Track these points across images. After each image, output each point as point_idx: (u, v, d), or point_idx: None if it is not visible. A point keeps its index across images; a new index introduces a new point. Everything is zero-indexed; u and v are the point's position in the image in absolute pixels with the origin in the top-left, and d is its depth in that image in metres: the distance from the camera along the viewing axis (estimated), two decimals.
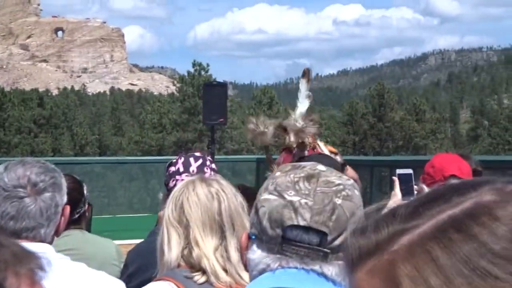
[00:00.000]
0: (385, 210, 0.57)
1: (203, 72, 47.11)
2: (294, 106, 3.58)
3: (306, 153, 3.34)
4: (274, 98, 51.51)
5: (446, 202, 0.53)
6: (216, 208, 1.81)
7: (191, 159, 2.56)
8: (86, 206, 2.92)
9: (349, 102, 59.95)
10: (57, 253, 1.85)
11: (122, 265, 2.74)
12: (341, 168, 3.01)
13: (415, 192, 2.91)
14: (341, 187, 1.28)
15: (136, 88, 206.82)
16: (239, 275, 1.76)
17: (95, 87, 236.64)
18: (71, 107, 72.04)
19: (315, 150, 3.35)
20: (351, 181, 1.32)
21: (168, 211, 1.83)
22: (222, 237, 1.80)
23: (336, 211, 1.25)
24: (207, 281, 1.75)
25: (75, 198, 2.67)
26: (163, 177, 2.65)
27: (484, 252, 0.49)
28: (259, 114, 3.57)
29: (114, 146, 64.19)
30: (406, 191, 2.91)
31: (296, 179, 1.28)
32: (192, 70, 47.77)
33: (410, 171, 2.98)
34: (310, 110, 3.55)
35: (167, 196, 2.01)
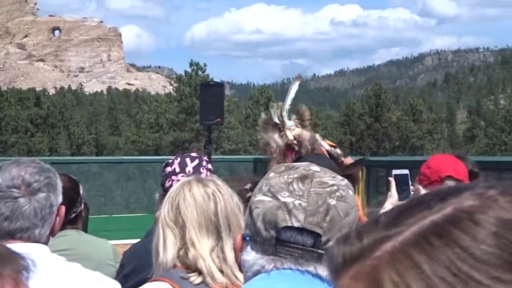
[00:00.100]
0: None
1: (200, 72, 47.08)
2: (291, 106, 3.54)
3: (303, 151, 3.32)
4: (271, 98, 51.44)
5: (428, 208, 0.53)
6: (212, 209, 1.80)
7: (187, 160, 2.56)
8: (82, 205, 2.92)
9: (346, 102, 60.09)
10: (52, 253, 1.84)
11: (118, 265, 2.73)
12: (338, 162, 3.01)
13: (412, 193, 2.90)
14: (335, 187, 1.28)
15: (133, 88, 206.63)
16: (235, 276, 1.76)
17: (92, 86, 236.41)
18: (68, 107, 71.95)
19: (315, 146, 3.32)
20: (345, 182, 1.32)
21: (164, 212, 1.83)
22: (218, 238, 1.79)
23: (330, 212, 1.24)
24: (203, 282, 1.75)
25: (71, 197, 2.66)
26: (160, 177, 2.65)
27: (465, 257, 0.49)
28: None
29: (111, 146, 64.14)
30: (403, 192, 2.90)
31: (290, 180, 1.27)
32: (189, 70, 47.76)
33: (406, 171, 2.98)
34: (300, 110, 3.49)
35: (163, 196, 2.01)
